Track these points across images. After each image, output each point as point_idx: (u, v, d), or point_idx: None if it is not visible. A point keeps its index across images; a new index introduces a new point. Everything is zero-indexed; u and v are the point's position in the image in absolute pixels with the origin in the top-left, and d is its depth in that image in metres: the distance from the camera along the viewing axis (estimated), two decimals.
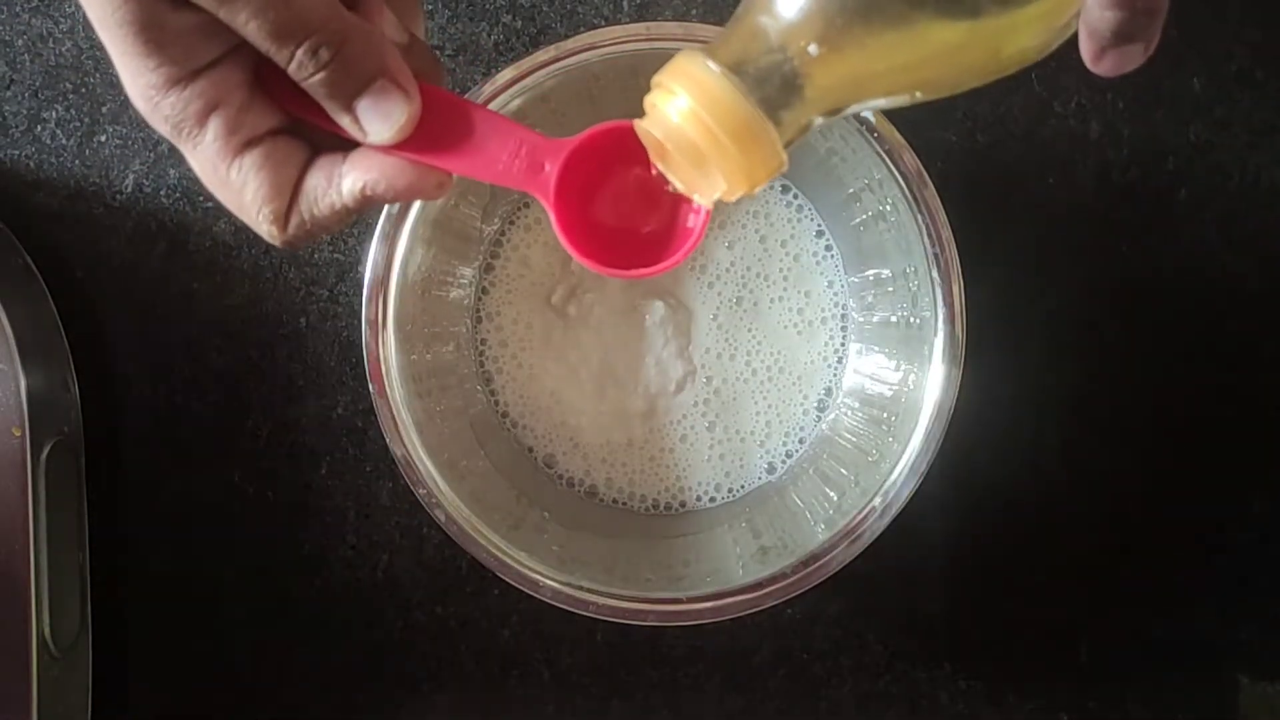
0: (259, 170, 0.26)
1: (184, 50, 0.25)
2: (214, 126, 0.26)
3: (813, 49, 0.25)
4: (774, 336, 0.49)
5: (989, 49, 0.25)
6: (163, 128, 0.26)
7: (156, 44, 0.25)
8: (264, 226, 0.27)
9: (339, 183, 0.27)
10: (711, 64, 0.26)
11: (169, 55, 0.25)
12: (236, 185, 0.26)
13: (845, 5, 0.24)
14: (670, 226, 0.30)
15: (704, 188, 0.28)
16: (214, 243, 0.51)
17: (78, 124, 0.51)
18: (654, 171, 0.29)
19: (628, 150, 0.29)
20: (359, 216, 0.28)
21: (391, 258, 0.42)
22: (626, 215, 0.30)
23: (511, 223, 0.49)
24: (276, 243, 0.27)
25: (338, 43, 0.25)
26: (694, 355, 0.49)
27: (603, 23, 0.51)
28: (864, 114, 0.41)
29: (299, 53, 0.25)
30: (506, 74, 0.41)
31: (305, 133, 0.28)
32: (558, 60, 0.41)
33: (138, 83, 0.25)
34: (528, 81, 0.42)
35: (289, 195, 0.27)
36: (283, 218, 0.27)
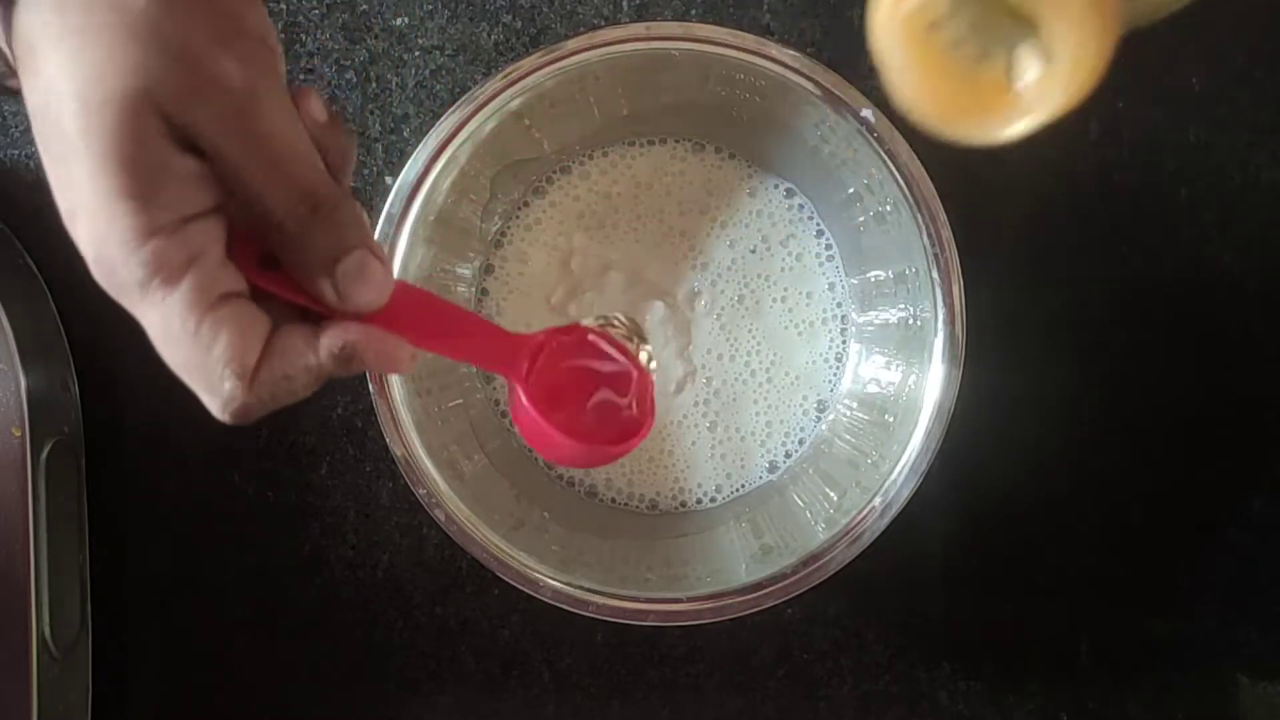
0: (231, 323, 0.25)
1: (179, 197, 0.24)
2: (191, 278, 0.24)
3: None
4: (774, 337, 0.49)
5: None
6: (131, 276, 0.24)
7: (154, 188, 0.23)
8: (226, 385, 0.25)
9: (316, 343, 0.26)
10: None
11: (163, 200, 0.24)
12: (205, 341, 0.25)
13: None
14: (619, 421, 0.33)
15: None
16: None
17: None
18: (602, 367, 0.31)
19: (581, 347, 0.32)
20: (319, 386, 0.27)
21: (392, 257, 0.42)
22: (580, 407, 0.33)
23: (512, 222, 0.49)
24: (231, 408, 0.25)
25: (331, 206, 0.26)
26: (694, 356, 0.49)
27: (603, 23, 0.51)
28: (864, 114, 0.41)
29: (300, 207, 0.25)
30: (507, 74, 0.41)
31: (265, 306, 0.27)
32: (558, 60, 0.41)
33: (115, 227, 0.23)
34: (528, 81, 0.42)
35: (258, 352, 0.25)
36: (249, 375, 0.25)
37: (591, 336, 0.33)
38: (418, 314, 0.29)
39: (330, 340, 0.27)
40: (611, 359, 0.33)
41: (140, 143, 0.23)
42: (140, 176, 0.23)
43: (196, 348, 0.25)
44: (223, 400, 0.25)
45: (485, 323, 0.32)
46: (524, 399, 0.31)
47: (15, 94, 0.25)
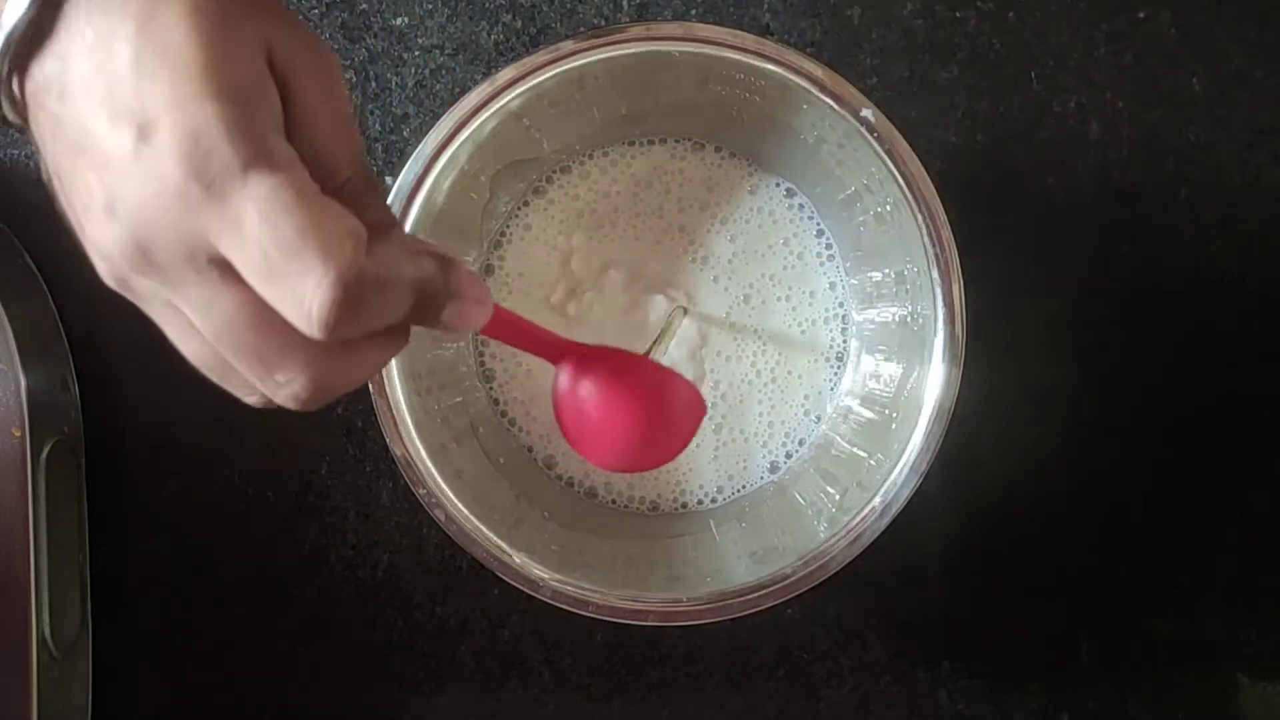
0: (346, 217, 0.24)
1: (274, 118, 0.24)
2: (298, 168, 0.24)
3: None
4: (779, 337, 0.49)
5: None
6: (237, 153, 0.22)
7: (253, 102, 0.23)
8: (348, 246, 0.23)
9: (418, 249, 0.27)
10: None
11: (261, 115, 0.24)
12: (323, 205, 0.23)
13: None
14: (656, 430, 0.36)
15: None
16: None
17: None
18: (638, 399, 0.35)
19: (626, 365, 0.35)
20: (405, 312, 0.26)
21: None
22: (625, 414, 0.36)
23: (511, 222, 0.49)
24: (347, 278, 0.23)
25: (367, 177, 0.27)
26: (705, 359, 0.49)
27: (603, 23, 0.51)
28: (864, 113, 0.41)
29: (355, 176, 0.26)
30: (506, 74, 0.41)
31: None
32: (558, 60, 0.41)
33: (221, 113, 0.22)
34: (528, 81, 0.42)
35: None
36: (364, 246, 0.24)
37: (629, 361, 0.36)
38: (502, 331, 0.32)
39: (426, 261, 0.26)
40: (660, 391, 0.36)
41: (245, 58, 0.23)
42: (245, 85, 0.23)
43: (312, 212, 0.22)
44: (343, 264, 0.22)
45: (538, 330, 0.34)
46: (561, 392, 0.34)
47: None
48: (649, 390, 0.36)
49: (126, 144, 0.22)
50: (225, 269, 0.23)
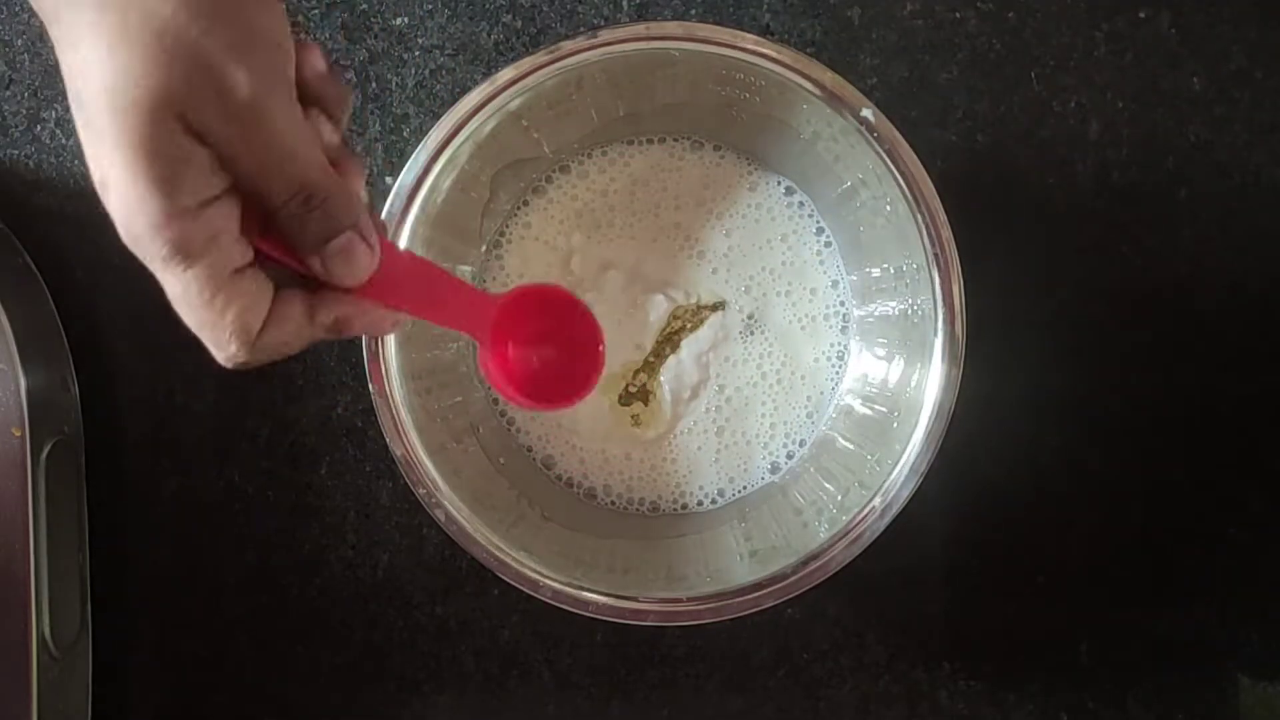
0: (242, 296, 0.28)
1: (199, 184, 0.27)
2: (209, 256, 0.27)
3: None
4: (784, 338, 0.49)
5: None
6: (156, 252, 0.27)
7: (177, 177, 0.26)
8: (231, 348, 0.29)
9: (316, 315, 0.31)
10: None
11: (185, 188, 0.26)
12: (220, 307, 0.28)
13: None
14: (581, 365, 0.38)
15: None
16: None
17: None
18: (566, 325, 0.36)
19: (549, 303, 0.36)
20: (313, 345, 0.31)
21: None
22: (546, 356, 0.37)
23: (511, 222, 0.49)
24: (232, 363, 0.29)
25: (324, 196, 0.29)
26: (711, 361, 0.49)
27: (603, 23, 0.51)
28: (864, 113, 0.41)
29: (294, 200, 0.28)
30: (506, 74, 0.41)
31: (268, 269, 0.30)
32: (557, 60, 0.41)
33: (145, 207, 0.26)
34: (528, 81, 0.42)
35: (262, 320, 0.29)
36: (252, 341, 0.29)
37: (553, 304, 0.37)
38: (403, 280, 0.32)
39: (324, 315, 0.31)
40: (570, 316, 0.37)
41: (163, 138, 0.26)
42: (163, 167, 0.26)
43: (210, 314, 0.28)
44: (226, 357, 0.29)
45: (464, 287, 0.35)
46: (488, 360, 0.35)
47: None
48: (564, 317, 0.37)
49: (97, 179, 0.27)
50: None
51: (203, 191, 0.27)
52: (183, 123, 0.26)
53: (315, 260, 0.30)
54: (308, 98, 0.30)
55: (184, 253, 0.27)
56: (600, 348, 0.38)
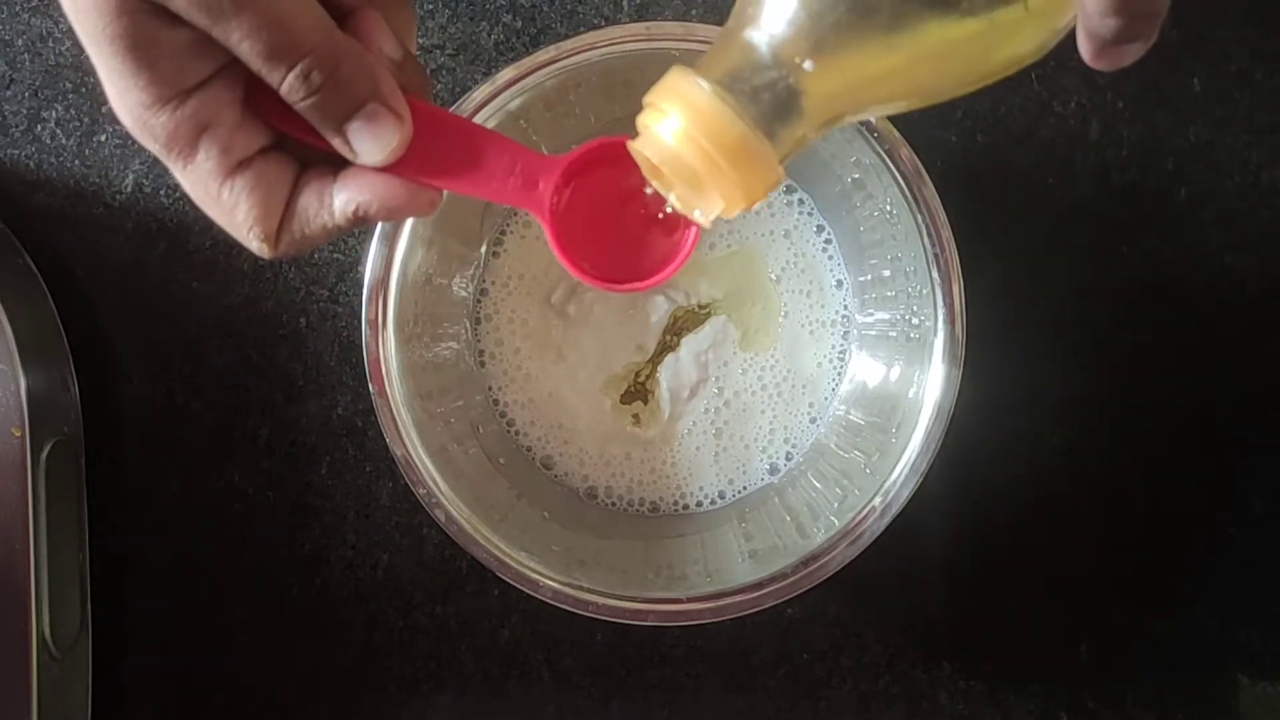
0: (251, 191, 0.26)
1: (176, 68, 0.25)
2: (206, 146, 0.25)
3: (806, 64, 0.24)
4: (787, 338, 0.49)
5: (983, 50, 0.25)
6: (152, 145, 0.25)
7: (148, 61, 0.24)
8: (254, 244, 0.27)
9: (330, 203, 0.27)
10: (703, 82, 0.25)
11: (160, 73, 0.24)
12: (229, 205, 0.26)
13: (837, 16, 0.24)
14: (663, 240, 0.31)
15: (702, 205, 0.27)
16: (214, 243, 0.51)
17: (77, 124, 0.51)
18: (646, 186, 0.29)
19: (620, 165, 0.29)
20: (349, 233, 0.28)
21: (391, 258, 0.42)
22: (619, 229, 0.31)
23: (511, 222, 0.49)
24: (265, 256, 0.27)
25: (331, 66, 0.25)
26: (709, 361, 0.49)
27: (603, 23, 0.51)
28: None
29: (291, 75, 0.25)
30: (506, 74, 0.41)
31: (293, 149, 0.27)
32: (558, 60, 0.41)
33: (126, 100, 0.25)
34: (528, 81, 0.42)
35: (280, 214, 0.27)
36: (274, 236, 0.27)
37: (629, 158, 0.29)
38: (443, 146, 0.28)
39: (342, 204, 0.27)
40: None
41: (125, 21, 0.23)
42: (132, 54, 0.24)
43: (222, 210, 0.26)
44: (254, 250, 0.27)
45: (515, 147, 0.29)
46: (550, 237, 0.30)
47: None
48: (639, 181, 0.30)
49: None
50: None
51: (184, 77, 0.25)
52: (146, 2, 0.23)
53: (338, 140, 0.26)
54: None
55: (178, 146, 0.25)
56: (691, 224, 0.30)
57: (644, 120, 0.27)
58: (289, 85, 0.25)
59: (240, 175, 0.26)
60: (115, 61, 0.24)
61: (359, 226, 0.28)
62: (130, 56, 0.24)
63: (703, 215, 0.28)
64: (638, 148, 0.27)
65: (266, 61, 0.24)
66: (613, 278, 0.31)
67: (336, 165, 0.27)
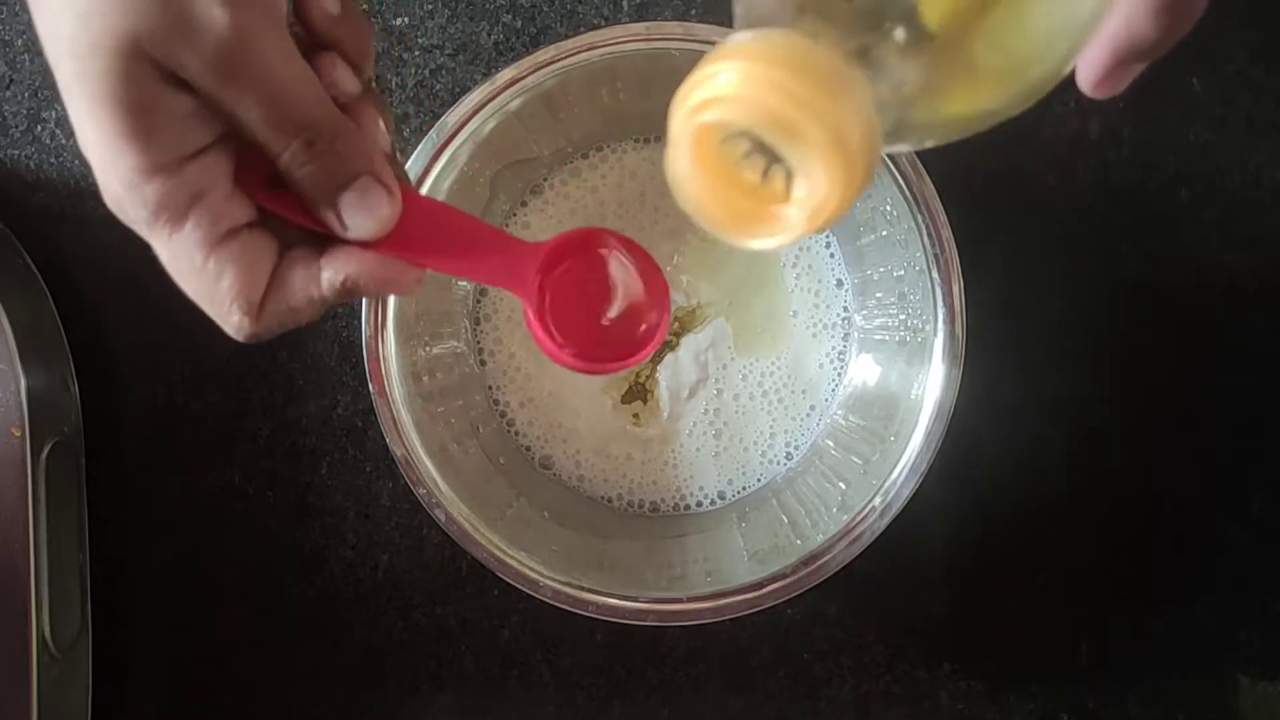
0: (237, 261, 0.26)
1: (177, 135, 0.24)
2: (196, 216, 0.25)
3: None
4: (793, 339, 0.49)
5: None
6: (138, 214, 0.25)
7: (149, 129, 0.24)
8: (234, 318, 0.26)
9: (318, 275, 0.27)
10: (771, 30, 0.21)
11: (161, 140, 0.24)
12: (213, 274, 0.25)
13: None
14: (638, 324, 0.32)
15: (806, 172, 0.23)
16: None
17: None
18: (611, 274, 0.30)
19: (598, 252, 0.31)
20: (329, 309, 0.28)
21: None
22: (597, 312, 0.32)
23: (511, 222, 0.49)
24: (242, 335, 0.26)
25: (330, 138, 0.26)
26: (709, 361, 0.49)
27: (603, 23, 0.51)
28: None
29: (295, 144, 0.25)
30: (506, 74, 0.41)
31: (275, 229, 0.27)
32: (558, 60, 0.41)
33: (118, 166, 0.24)
34: (528, 81, 0.42)
35: (264, 286, 0.26)
36: (257, 308, 0.26)
37: (605, 248, 0.31)
38: (428, 230, 0.29)
39: (331, 275, 0.27)
40: (625, 265, 0.31)
41: (131, 85, 0.23)
42: (135, 118, 0.23)
43: (205, 281, 0.26)
44: (232, 328, 0.26)
45: (498, 234, 0.30)
46: (532, 318, 0.30)
47: None
48: (618, 271, 0.31)
49: (80, 143, 0.24)
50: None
51: (184, 144, 0.24)
52: (155, 67, 0.23)
53: (329, 214, 0.26)
54: (320, 42, 0.27)
55: (167, 214, 0.24)
56: (665, 295, 0.32)
57: (707, 87, 0.22)
58: (291, 153, 0.25)
59: (226, 246, 0.26)
60: (114, 124, 0.23)
61: (343, 300, 0.28)
62: (131, 121, 0.23)
63: (808, 196, 0.23)
64: (703, 119, 0.22)
65: (273, 129, 0.25)
66: (589, 357, 0.31)
67: (319, 246, 0.27)
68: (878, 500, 0.41)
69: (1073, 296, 0.51)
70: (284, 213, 0.27)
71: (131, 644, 0.52)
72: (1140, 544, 0.52)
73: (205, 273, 0.25)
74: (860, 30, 0.21)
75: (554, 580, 0.42)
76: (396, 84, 0.51)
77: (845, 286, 0.49)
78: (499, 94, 0.41)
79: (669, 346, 0.49)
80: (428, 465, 0.42)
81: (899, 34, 0.21)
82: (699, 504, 0.49)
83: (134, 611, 0.52)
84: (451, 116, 0.42)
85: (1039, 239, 0.51)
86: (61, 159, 0.51)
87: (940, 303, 0.41)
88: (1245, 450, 0.52)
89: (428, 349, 0.45)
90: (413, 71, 0.51)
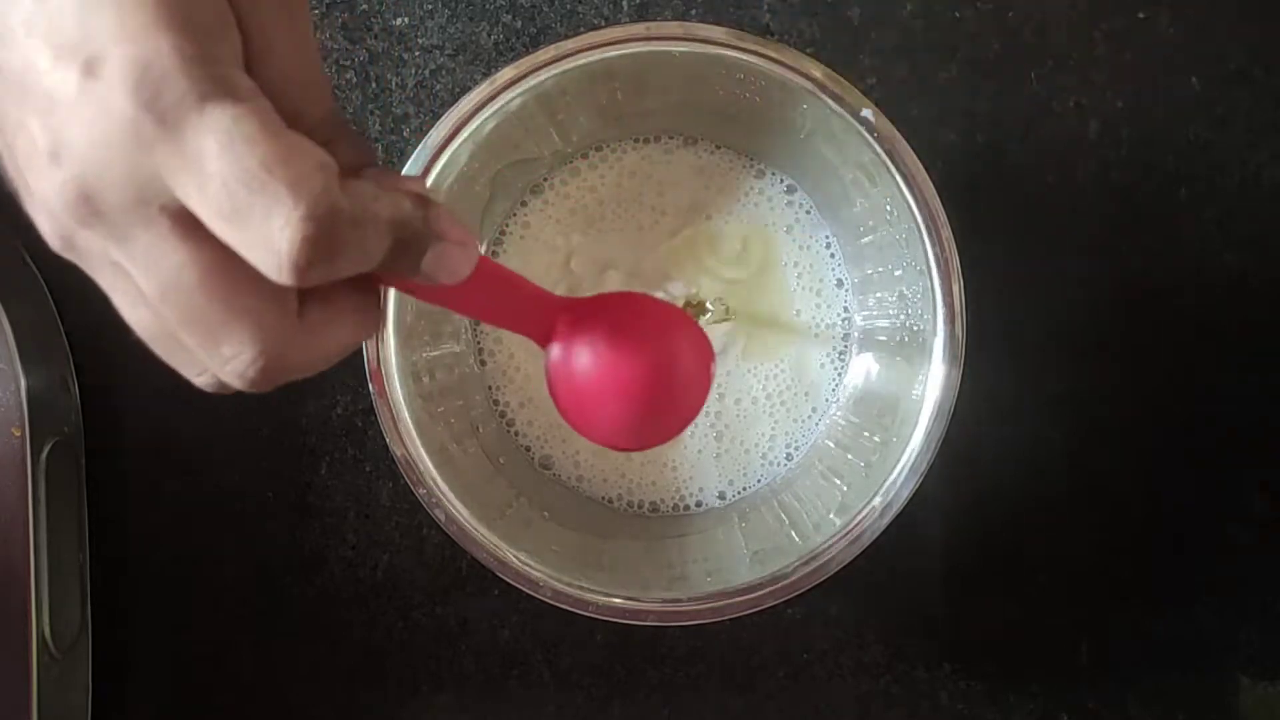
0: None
1: (235, 56, 0.23)
2: (263, 100, 0.22)
3: None
4: (796, 339, 0.49)
5: None
6: (193, 85, 0.21)
7: (211, 36, 0.22)
8: (319, 179, 0.21)
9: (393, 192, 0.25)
10: None
11: (221, 51, 0.22)
12: (291, 138, 0.21)
13: None
14: (675, 397, 0.29)
15: None
16: None
17: None
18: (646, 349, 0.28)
19: (633, 313, 0.29)
20: (376, 263, 0.24)
21: None
22: (628, 382, 0.30)
23: (511, 222, 0.49)
24: (318, 211, 0.21)
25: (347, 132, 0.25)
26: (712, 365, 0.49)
27: (603, 23, 0.51)
28: (864, 113, 0.41)
29: (325, 125, 0.24)
30: (506, 74, 0.41)
31: None
32: (558, 60, 0.41)
33: (173, 42, 0.21)
34: (528, 81, 0.41)
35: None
36: (336, 188, 0.22)
37: (630, 308, 0.28)
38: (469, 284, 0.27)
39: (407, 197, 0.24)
40: (667, 332, 0.29)
41: None
42: (200, 17, 0.21)
43: (279, 142, 0.21)
44: (312, 198, 0.21)
45: (520, 282, 0.29)
46: (553, 380, 0.28)
47: None
48: (658, 347, 0.29)
49: (71, 81, 0.20)
50: (177, 220, 0.22)
51: (239, 63, 0.22)
52: None
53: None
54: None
55: (228, 85, 0.21)
56: (710, 377, 0.29)
57: None
58: (322, 130, 0.24)
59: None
60: (174, 15, 0.21)
61: (399, 262, 0.24)
62: (195, 21, 0.21)
63: None
64: None
65: (313, 94, 0.24)
66: (622, 437, 0.29)
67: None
68: (878, 500, 0.41)
69: (1072, 296, 0.51)
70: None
71: (131, 644, 0.52)
72: (1140, 544, 0.52)
73: (283, 135, 0.21)
74: None
75: (554, 580, 0.42)
76: (396, 84, 0.51)
77: (845, 286, 0.49)
78: (499, 94, 0.41)
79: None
80: (428, 465, 0.42)
81: None
82: (699, 504, 0.49)
83: (134, 611, 0.52)
84: (451, 116, 0.42)
85: (1039, 238, 0.51)
86: None
87: (940, 303, 0.41)
88: (1245, 450, 0.52)
89: (428, 349, 0.45)
90: (413, 71, 0.51)
